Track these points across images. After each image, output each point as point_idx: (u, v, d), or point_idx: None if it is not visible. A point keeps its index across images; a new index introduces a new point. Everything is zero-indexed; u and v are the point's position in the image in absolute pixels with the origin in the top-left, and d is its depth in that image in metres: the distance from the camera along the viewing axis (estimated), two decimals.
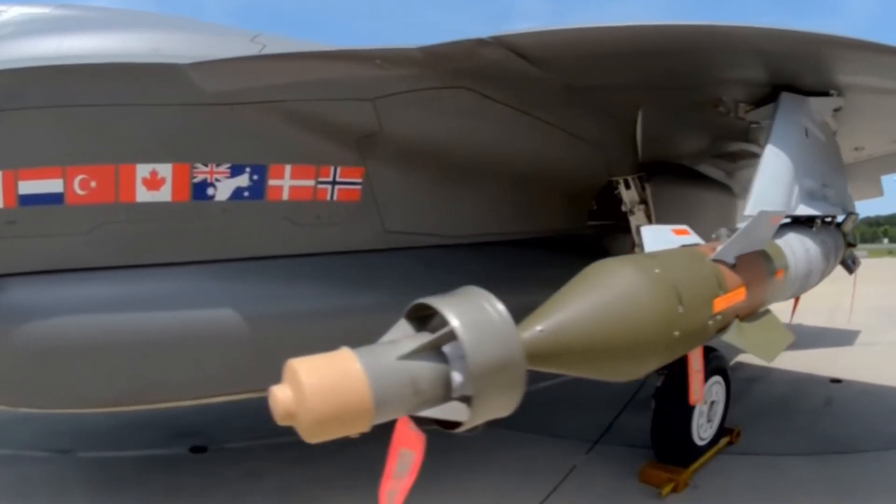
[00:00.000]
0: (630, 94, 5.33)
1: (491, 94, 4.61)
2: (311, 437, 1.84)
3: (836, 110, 5.29)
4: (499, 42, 3.88)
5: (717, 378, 6.66)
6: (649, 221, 6.55)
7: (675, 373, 6.33)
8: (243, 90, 3.91)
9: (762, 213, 3.39)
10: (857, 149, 7.80)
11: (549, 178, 6.21)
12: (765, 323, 3.45)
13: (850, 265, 7.41)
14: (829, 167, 5.33)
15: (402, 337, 2.14)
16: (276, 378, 4.65)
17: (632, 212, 6.60)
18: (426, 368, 2.03)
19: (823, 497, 5.74)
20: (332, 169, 4.33)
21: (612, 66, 4.53)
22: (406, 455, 2.33)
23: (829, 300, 22.04)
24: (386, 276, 4.80)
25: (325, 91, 4.18)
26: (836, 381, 10.12)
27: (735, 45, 4.31)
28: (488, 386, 2.04)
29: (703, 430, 6.40)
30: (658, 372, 6.76)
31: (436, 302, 2.09)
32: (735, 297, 3.20)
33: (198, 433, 7.28)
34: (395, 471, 2.33)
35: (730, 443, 6.88)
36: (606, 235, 8.09)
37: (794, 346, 11.99)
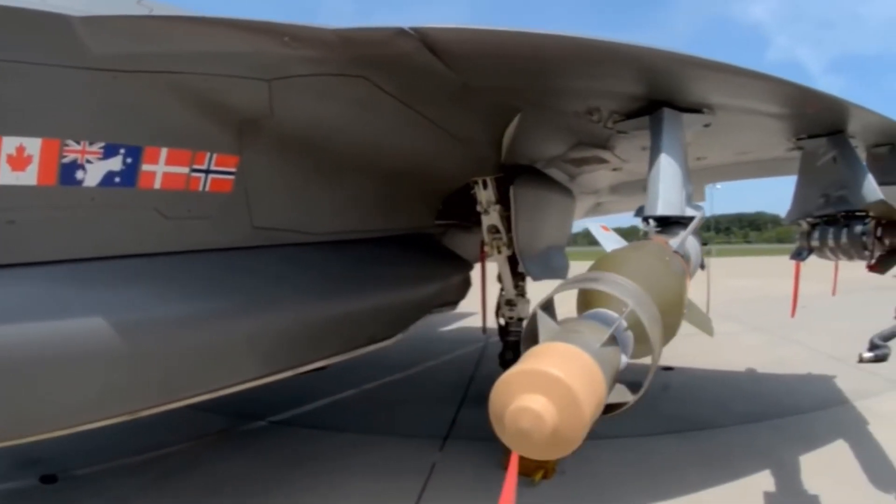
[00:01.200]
0: (517, 98, 5.37)
1: (385, 87, 4.38)
2: (569, 447, 1.68)
3: (705, 126, 5.62)
4: (418, 34, 3.72)
5: None
6: (503, 222, 6.70)
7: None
8: (133, 56, 3.34)
9: (700, 215, 4.02)
10: (698, 158, 8.41)
11: (417, 176, 6.14)
12: (692, 304, 3.84)
13: (702, 262, 8.36)
14: (688, 175, 5.87)
15: (573, 327, 2.12)
16: (154, 395, 4.15)
17: (486, 212, 6.69)
18: (614, 353, 2.09)
19: (695, 469, 6.24)
20: (209, 155, 3.85)
21: (511, 69, 4.53)
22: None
23: None
24: (253, 276, 4.41)
25: (222, 65, 3.72)
26: (667, 368, 10.89)
27: (625, 61, 4.49)
28: (657, 359, 2.27)
29: None
30: (505, 366, 7.17)
31: (603, 287, 2.25)
32: (688, 282, 3.64)
33: (43, 460, 6.42)
34: None
35: None
36: (445, 234, 8.23)
37: None
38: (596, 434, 6.42)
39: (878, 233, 5.24)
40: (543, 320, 2.16)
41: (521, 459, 5.92)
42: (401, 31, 3.72)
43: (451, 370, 11.65)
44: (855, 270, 6.95)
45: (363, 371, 9.83)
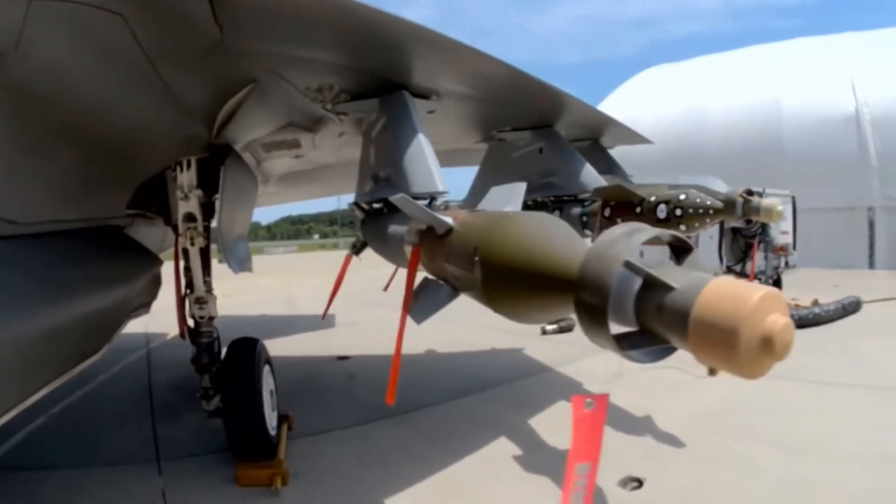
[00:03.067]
0: (257, 65, 5.01)
1: (138, 33, 3.67)
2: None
3: (429, 112, 5.98)
4: None
5: (268, 368, 6.99)
6: (201, 208, 6.23)
7: (228, 369, 6.49)
8: None
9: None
10: None
11: (129, 153, 5.34)
12: None
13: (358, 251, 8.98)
14: None
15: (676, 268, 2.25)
16: None
17: (186, 197, 6.11)
18: None
19: (430, 448, 6.57)
20: None
21: (268, 28, 4.28)
22: (582, 469, 2.29)
23: (275, 292, 24.54)
24: None
25: None
26: (343, 357, 11.33)
27: (380, 31, 4.58)
28: None
29: (271, 419, 6.59)
30: (203, 371, 6.73)
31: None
32: None
33: None
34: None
35: (289, 428, 7.21)
36: (130, 226, 7.37)
37: (282, 333, 13.07)
38: (308, 431, 6.52)
39: (606, 213, 6.29)
40: (665, 267, 2.22)
41: (251, 470, 5.72)
42: None
43: (124, 382, 10.56)
44: None
45: None
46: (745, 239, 16.60)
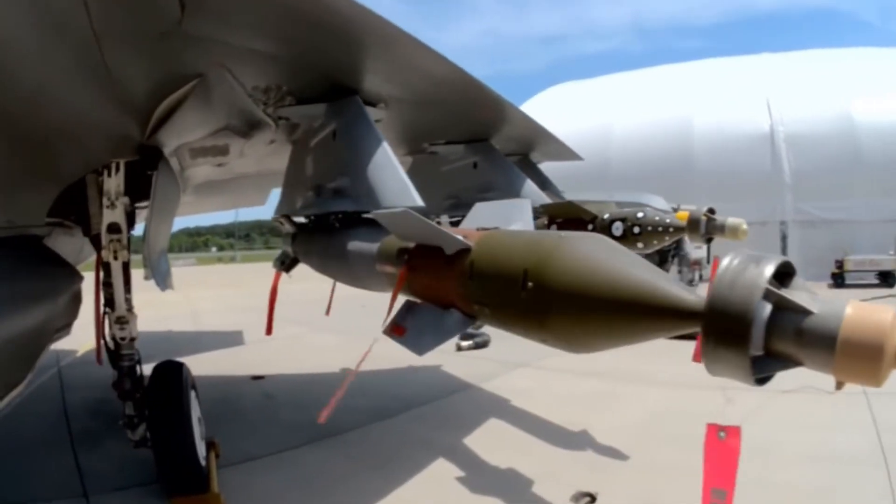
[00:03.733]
0: (209, 58, 4.64)
1: (92, 4, 3.24)
2: None
3: (377, 121, 5.74)
4: None
5: (194, 393, 6.63)
6: (127, 216, 5.83)
7: (154, 396, 6.16)
8: None
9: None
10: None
11: (61, 152, 4.92)
12: None
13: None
14: None
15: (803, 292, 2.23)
16: None
17: (112, 205, 5.67)
18: None
19: (370, 473, 6.42)
20: None
21: (231, 11, 4.01)
22: (717, 495, 2.40)
23: (178, 307, 23.61)
24: None
25: None
26: (258, 377, 11.03)
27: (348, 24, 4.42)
28: None
29: (201, 448, 6.23)
30: (125, 398, 6.34)
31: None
32: None
33: None
34: None
35: (217, 455, 6.80)
36: (48, 237, 6.91)
37: (191, 350, 12.65)
38: (236, 457, 6.20)
39: (553, 230, 6.40)
40: (794, 292, 2.21)
41: None
42: None
43: (40, 405, 9.70)
44: None
45: None
46: (660, 253, 17.24)
